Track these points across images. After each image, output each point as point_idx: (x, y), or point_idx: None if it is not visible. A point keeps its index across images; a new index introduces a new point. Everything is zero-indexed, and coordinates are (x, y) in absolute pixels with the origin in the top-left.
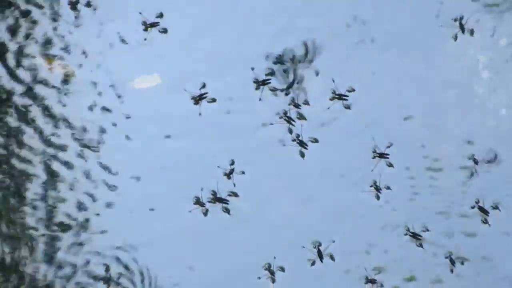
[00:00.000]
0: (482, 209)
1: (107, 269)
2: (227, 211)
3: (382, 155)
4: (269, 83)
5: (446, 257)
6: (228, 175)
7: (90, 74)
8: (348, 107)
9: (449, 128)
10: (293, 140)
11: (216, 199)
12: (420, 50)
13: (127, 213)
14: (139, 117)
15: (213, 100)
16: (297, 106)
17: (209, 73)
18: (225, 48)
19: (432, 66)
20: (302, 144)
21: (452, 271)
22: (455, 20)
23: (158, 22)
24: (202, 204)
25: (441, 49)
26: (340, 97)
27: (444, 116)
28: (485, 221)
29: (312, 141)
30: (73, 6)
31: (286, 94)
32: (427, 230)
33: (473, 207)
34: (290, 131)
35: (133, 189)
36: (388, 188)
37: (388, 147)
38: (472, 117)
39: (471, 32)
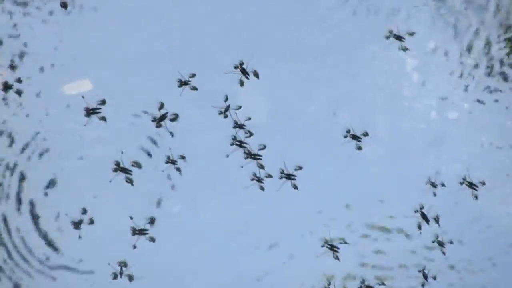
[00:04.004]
0: None
1: None
2: (130, 181)
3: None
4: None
5: None
6: (158, 121)
7: None
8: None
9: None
10: (246, 158)
11: (119, 168)
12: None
13: None
14: None
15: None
16: (241, 126)
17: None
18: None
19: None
20: (256, 157)
21: None
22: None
23: None
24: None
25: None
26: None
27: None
28: None
29: (261, 148)
30: None
31: (225, 117)
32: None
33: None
34: (246, 154)
35: None
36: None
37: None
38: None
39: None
